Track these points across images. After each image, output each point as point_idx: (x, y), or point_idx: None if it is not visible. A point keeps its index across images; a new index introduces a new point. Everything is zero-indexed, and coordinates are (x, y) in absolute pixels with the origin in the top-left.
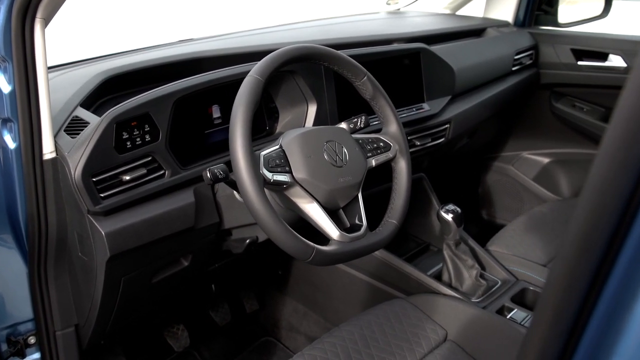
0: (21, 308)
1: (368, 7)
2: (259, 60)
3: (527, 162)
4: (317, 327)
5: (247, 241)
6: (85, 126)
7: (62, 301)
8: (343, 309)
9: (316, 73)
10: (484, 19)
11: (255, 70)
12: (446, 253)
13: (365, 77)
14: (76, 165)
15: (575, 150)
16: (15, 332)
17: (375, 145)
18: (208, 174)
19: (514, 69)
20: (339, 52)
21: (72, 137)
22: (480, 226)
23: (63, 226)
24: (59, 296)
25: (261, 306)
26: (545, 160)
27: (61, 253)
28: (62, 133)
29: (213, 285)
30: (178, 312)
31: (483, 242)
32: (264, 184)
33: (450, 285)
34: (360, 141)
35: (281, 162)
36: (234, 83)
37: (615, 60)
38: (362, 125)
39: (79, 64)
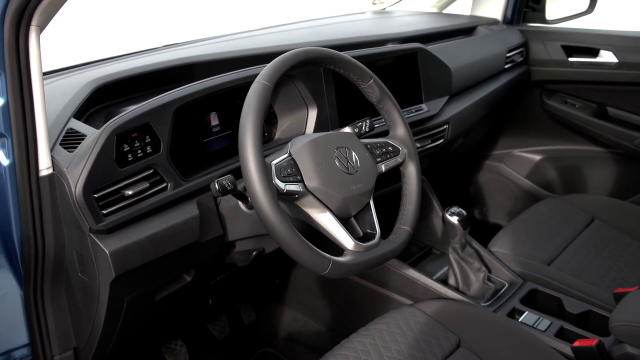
0: (16, 333)
1: (353, 6)
2: (256, 64)
3: (519, 160)
4: (318, 337)
5: (254, 253)
6: (82, 139)
7: (60, 324)
8: (345, 316)
9: (315, 77)
10: (473, 17)
11: (262, 76)
12: (452, 257)
13: (372, 80)
14: (76, 182)
15: (567, 146)
16: (10, 359)
17: (384, 149)
18: (217, 186)
19: (506, 66)
20: (345, 54)
21: (69, 152)
22: (473, 226)
23: (61, 246)
24: (56, 319)
25: (259, 317)
26: (537, 157)
27: (58, 274)
28: (58, 147)
29: (210, 299)
30: (176, 327)
31: (479, 242)
32: (277, 195)
33: (457, 290)
34: (368, 146)
35: (292, 171)
36: (233, 89)
37: (607, 56)
38: (367, 129)
39: (66, 72)
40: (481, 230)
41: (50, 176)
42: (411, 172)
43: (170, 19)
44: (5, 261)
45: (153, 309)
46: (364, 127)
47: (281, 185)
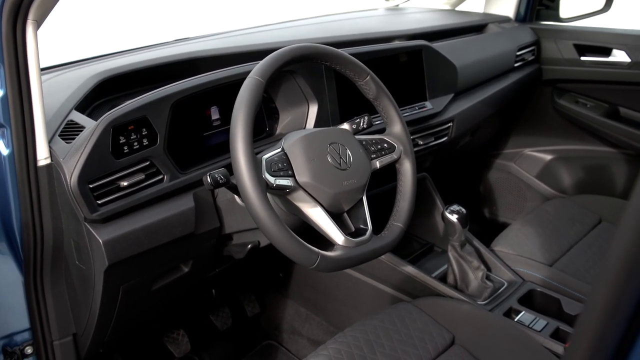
0: (17, 317)
1: (366, 3)
2: (258, 59)
3: (529, 160)
4: (320, 331)
5: (249, 246)
6: (81, 131)
7: (59, 310)
8: (346, 312)
9: (317, 73)
10: (485, 14)
11: (255, 72)
12: (451, 254)
13: (369, 77)
14: (72, 172)
15: (578, 146)
16: (12, 343)
17: (379, 146)
18: (209, 179)
19: (516, 65)
20: (341, 51)
21: (67, 143)
22: (483, 225)
23: (59, 234)
24: (55, 305)
25: (262, 309)
26: (548, 157)
27: (57, 261)
28: (57, 138)
29: (213, 290)
30: (178, 317)
31: (486, 241)
32: (266, 188)
33: (455, 287)
34: (363, 142)
35: (284, 166)
36: (233, 84)
37: (619, 55)
38: (365, 126)
39: (73, 65)
40: (490, 229)
41: (48, 166)
42: (406, 169)
43: (186, 14)
44: (7, 248)
45: (150, 298)
46: (361, 124)
47: (271, 179)
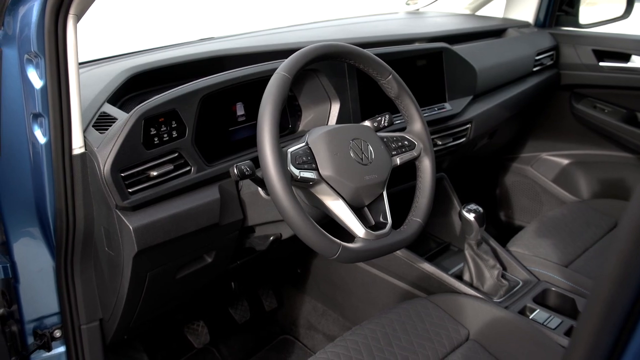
0: (47, 302)
1: (387, 7)
2: (282, 58)
3: (546, 164)
4: (336, 326)
5: (271, 238)
6: (113, 122)
7: (88, 295)
8: (363, 308)
9: (339, 72)
10: (505, 19)
11: (282, 68)
12: (468, 253)
13: (391, 76)
14: (105, 160)
15: (595, 152)
16: (42, 326)
17: (400, 143)
18: (235, 170)
19: (534, 69)
20: (365, 50)
21: (100, 133)
22: (498, 227)
23: (90, 221)
24: (84, 290)
25: (280, 304)
26: (565, 161)
27: (88, 248)
28: (91, 128)
29: (233, 283)
30: (199, 308)
31: (501, 243)
32: (291, 180)
33: (471, 285)
34: (384, 139)
35: (308, 159)
36: (258, 81)
37: (638, 61)
38: (386, 124)
39: (105, 61)
40: (505, 231)
41: (82, 155)
42: (426, 166)
43: (207, 16)
44: (40, 233)
45: (174, 286)
46: (383, 122)
47: (296, 171)
